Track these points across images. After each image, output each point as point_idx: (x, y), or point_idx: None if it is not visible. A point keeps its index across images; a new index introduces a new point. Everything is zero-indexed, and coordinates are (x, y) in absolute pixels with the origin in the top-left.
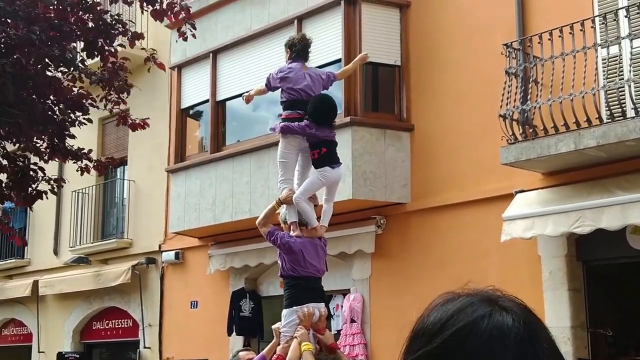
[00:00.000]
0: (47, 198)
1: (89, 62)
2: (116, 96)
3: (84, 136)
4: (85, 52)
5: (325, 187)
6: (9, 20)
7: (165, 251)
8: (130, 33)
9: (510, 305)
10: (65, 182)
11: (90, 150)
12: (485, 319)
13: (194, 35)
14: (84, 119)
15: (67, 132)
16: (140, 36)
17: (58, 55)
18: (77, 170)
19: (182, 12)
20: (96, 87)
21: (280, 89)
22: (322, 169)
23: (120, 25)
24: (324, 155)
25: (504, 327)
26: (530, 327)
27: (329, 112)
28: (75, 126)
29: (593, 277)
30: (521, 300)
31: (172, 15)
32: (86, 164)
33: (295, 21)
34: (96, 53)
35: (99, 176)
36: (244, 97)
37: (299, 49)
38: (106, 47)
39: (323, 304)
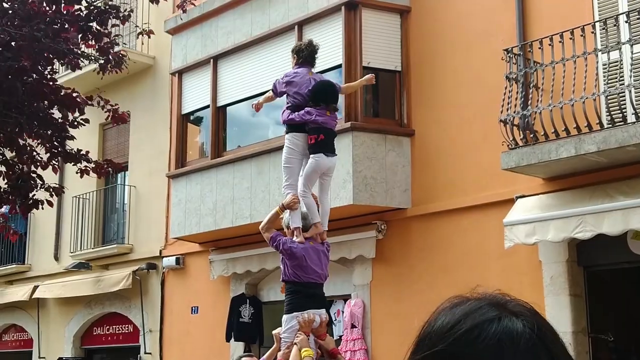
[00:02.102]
0: (42, 208)
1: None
2: (111, 105)
3: (85, 141)
4: (80, 36)
5: (318, 182)
6: (9, 22)
7: (166, 257)
8: (122, 14)
9: (520, 310)
10: (64, 192)
11: (87, 152)
12: (494, 323)
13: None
14: (81, 119)
15: (66, 134)
16: (130, 15)
17: (63, 48)
18: (77, 173)
19: None
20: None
21: (286, 94)
22: (316, 154)
23: (114, 10)
24: (320, 141)
25: (513, 332)
26: (541, 332)
27: (326, 90)
28: (74, 127)
29: (594, 283)
30: (531, 305)
31: None
32: (85, 166)
33: (296, 27)
34: (90, 36)
35: (99, 178)
36: (254, 105)
37: (306, 55)
38: (100, 30)
39: (324, 310)
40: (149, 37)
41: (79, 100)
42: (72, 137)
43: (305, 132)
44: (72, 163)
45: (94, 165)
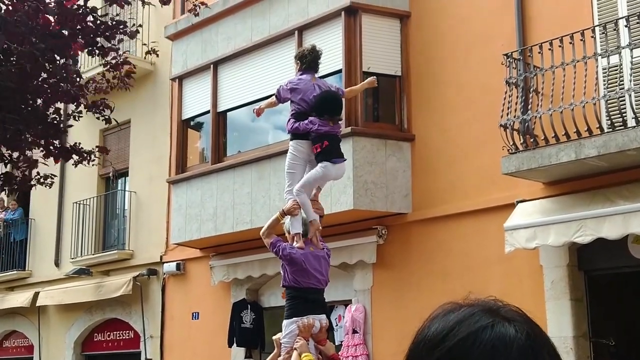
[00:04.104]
0: (41, 185)
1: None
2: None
3: (85, 147)
4: (86, 51)
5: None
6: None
7: (167, 262)
8: (129, 29)
9: (512, 315)
10: (53, 180)
11: (80, 143)
12: (487, 330)
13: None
14: (77, 114)
15: (62, 127)
16: (137, 30)
17: (62, 66)
18: (73, 164)
19: None
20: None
21: (290, 101)
22: (322, 163)
23: (121, 26)
24: (325, 148)
25: (506, 338)
26: (533, 337)
27: (329, 102)
28: (70, 119)
29: (595, 287)
30: (523, 310)
31: None
32: (85, 156)
33: (296, 32)
34: (97, 51)
35: (100, 167)
36: (255, 110)
37: (309, 60)
38: (107, 45)
39: (324, 316)
40: (157, 55)
41: (79, 93)
42: (67, 129)
43: (309, 140)
44: (66, 160)
45: (87, 157)
